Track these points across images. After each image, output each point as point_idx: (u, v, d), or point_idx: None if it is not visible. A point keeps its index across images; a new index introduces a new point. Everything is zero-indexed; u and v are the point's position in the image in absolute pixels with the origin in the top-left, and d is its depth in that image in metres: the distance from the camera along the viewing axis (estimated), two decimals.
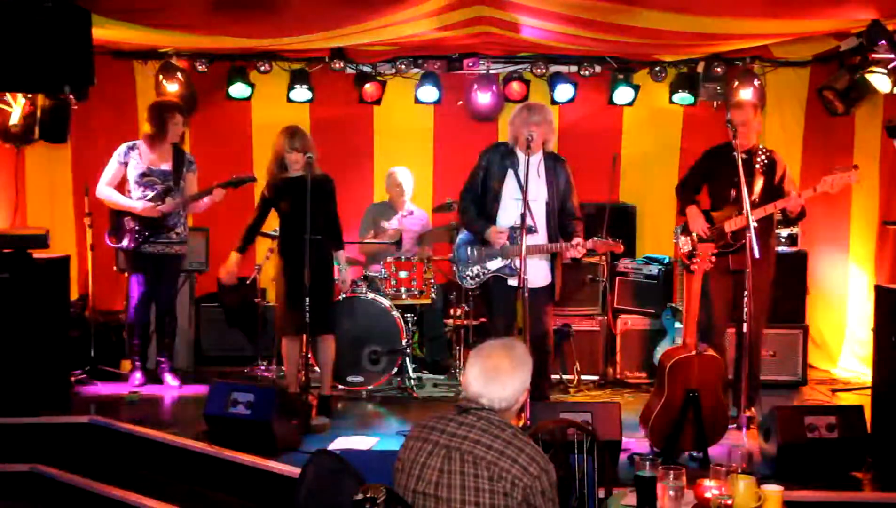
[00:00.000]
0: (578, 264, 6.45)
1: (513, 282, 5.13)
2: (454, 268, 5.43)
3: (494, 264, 5.18)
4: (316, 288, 5.26)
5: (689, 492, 2.84)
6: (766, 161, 5.30)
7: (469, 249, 5.27)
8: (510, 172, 5.14)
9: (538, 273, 5.15)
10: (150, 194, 5.96)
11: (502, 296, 5.22)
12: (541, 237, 5.11)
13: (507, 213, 5.16)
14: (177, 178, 6.04)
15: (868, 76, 5.93)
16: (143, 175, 5.97)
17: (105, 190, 5.99)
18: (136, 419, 5.29)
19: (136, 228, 5.93)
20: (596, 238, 5.09)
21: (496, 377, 2.68)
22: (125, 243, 5.95)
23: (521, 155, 5.09)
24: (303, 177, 5.22)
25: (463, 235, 5.37)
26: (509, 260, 5.11)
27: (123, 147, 6.02)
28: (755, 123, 5.30)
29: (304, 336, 5.32)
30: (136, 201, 5.93)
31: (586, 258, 6.48)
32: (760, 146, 5.38)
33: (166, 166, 6.04)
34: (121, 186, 6.05)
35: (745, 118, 5.22)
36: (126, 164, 5.98)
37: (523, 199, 4.86)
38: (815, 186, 5.05)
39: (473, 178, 5.28)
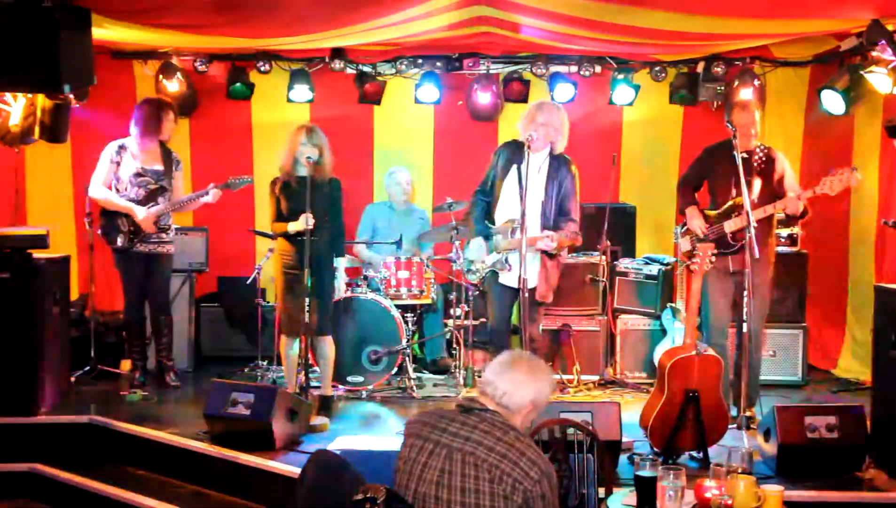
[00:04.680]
0: (577, 265, 6.47)
1: (504, 279, 5.18)
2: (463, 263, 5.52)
3: (490, 259, 5.23)
4: (314, 289, 5.27)
5: (689, 492, 2.84)
6: (763, 159, 5.30)
7: (474, 244, 5.35)
8: (513, 169, 5.18)
9: (528, 272, 5.16)
10: (142, 193, 5.95)
11: (495, 293, 5.28)
12: (531, 235, 5.11)
13: (505, 208, 5.23)
14: (168, 178, 6.04)
15: (868, 76, 5.93)
16: (137, 175, 5.96)
17: (101, 191, 5.97)
18: (135, 419, 5.29)
19: (130, 228, 5.93)
20: (560, 232, 5.08)
21: (510, 371, 2.72)
22: (118, 242, 5.95)
23: (525, 152, 5.11)
24: (306, 177, 5.23)
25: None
26: (502, 254, 5.16)
27: (113, 146, 6.00)
28: (757, 126, 5.29)
29: (304, 337, 5.32)
30: (136, 206, 5.91)
31: (587, 258, 6.50)
32: (758, 144, 5.37)
33: (158, 166, 6.03)
34: (109, 185, 6.03)
35: (748, 120, 5.22)
36: (118, 163, 5.97)
37: (521, 195, 4.89)
38: (814, 188, 5.04)
39: (486, 176, 5.38)
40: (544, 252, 5.13)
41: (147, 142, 6.00)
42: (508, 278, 5.16)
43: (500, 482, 2.51)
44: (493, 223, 5.27)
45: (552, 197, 5.17)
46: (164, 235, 6.05)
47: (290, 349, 5.43)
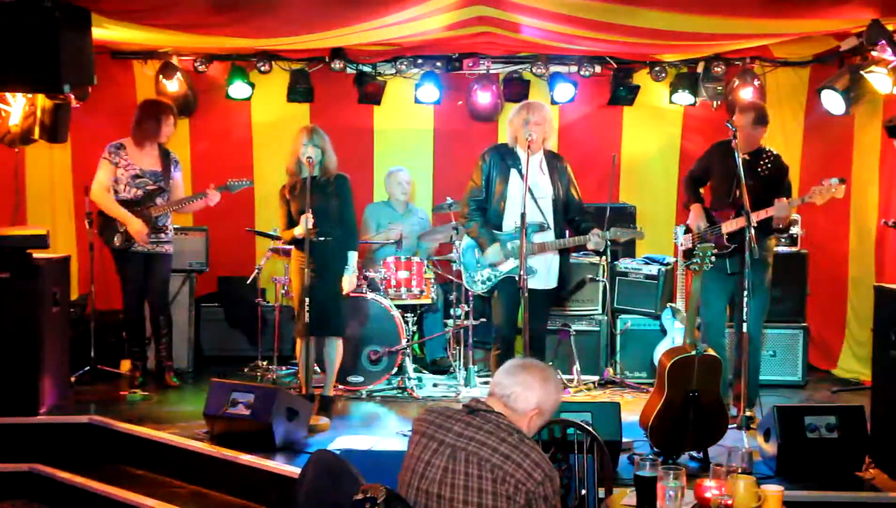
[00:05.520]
0: (578, 264, 6.47)
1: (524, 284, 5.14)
2: (463, 274, 5.44)
3: (507, 266, 5.18)
4: (324, 290, 5.26)
5: (689, 492, 2.84)
6: (769, 165, 5.29)
7: (477, 253, 5.27)
8: (514, 172, 5.15)
9: (548, 273, 5.16)
10: (141, 194, 5.95)
11: (511, 298, 5.22)
12: (551, 234, 5.13)
13: (515, 212, 5.13)
14: (166, 179, 6.04)
15: (868, 76, 5.93)
16: (135, 177, 5.96)
17: (103, 196, 5.96)
18: (135, 419, 5.29)
19: (126, 228, 5.93)
20: (615, 228, 5.10)
21: (520, 373, 2.74)
22: (116, 242, 5.95)
23: (522, 154, 5.11)
24: (312, 177, 5.23)
25: (468, 240, 5.37)
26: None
27: (112, 147, 6.00)
28: (752, 132, 5.27)
29: (303, 337, 5.32)
30: (132, 218, 5.89)
31: (587, 258, 6.50)
32: (767, 148, 5.37)
33: (156, 168, 6.04)
34: (109, 186, 6.04)
35: (741, 123, 5.22)
36: (117, 164, 5.97)
37: (524, 197, 4.89)
38: (802, 197, 5.10)
39: (475, 182, 5.27)
40: (562, 251, 5.15)
41: (146, 144, 6.00)
42: (532, 281, 5.04)
43: (503, 482, 2.52)
44: (501, 229, 5.23)
45: (560, 193, 5.18)
46: (162, 235, 6.05)
47: (303, 349, 5.43)
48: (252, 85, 7.30)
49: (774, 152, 5.38)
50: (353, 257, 5.47)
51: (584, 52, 7.08)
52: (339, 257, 5.41)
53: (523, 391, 2.71)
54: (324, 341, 5.49)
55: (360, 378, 6.13)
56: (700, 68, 7.13)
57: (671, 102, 7.31)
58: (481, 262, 5.25)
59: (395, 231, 6.71)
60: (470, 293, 6.21)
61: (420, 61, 7.28)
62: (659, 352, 5.96)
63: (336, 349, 5.51)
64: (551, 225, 5.14)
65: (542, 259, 5.13)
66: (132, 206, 5.94)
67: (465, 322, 6.25)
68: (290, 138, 5.46)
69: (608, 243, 5.20)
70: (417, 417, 2.80)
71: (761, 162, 5.28)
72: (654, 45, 6.64)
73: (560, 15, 5.74)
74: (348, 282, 5.45)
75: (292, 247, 5.53)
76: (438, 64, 7.33)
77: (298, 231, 5.28)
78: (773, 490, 2.79)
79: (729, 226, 5.18)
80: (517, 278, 5.08)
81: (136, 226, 5.90)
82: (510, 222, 5.18)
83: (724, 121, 5.16)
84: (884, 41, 5.35)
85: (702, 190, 5.59)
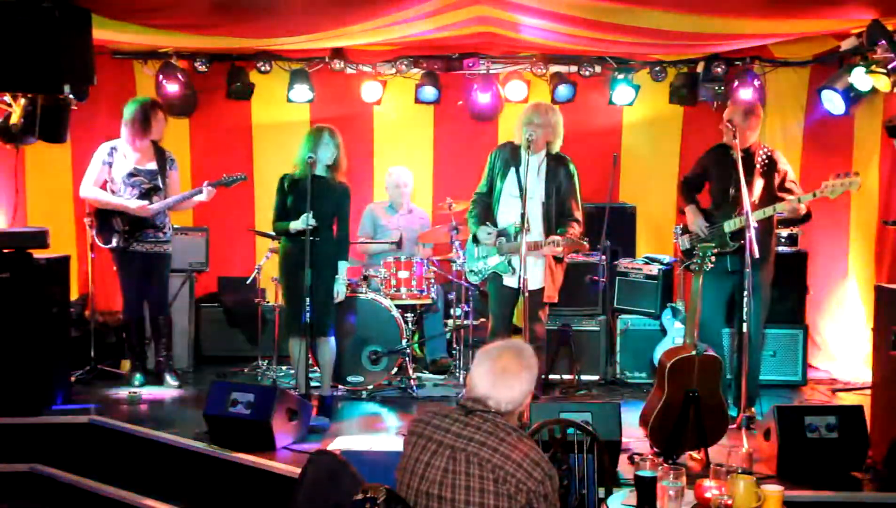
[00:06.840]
0: (577, 265, 6.47)
1: (508, 281, 5.20)
2: (464, 264, 5.54)
3: (493, 261, 5.25)
4: (315, 289, 5.26)
5: (689, 492, 2.84)
6: (765, 160, 5.31)
7: (475, 245, 5.38)
8: (512, 171, 5.21)
9: (532, 274, 5.17)
10: (136, 193, 5.95)
11: (497, 294, 5.31)
12: (534, 236, 5.13)
13: (506, 210, 5.27)
14: (162, 177, 6.04)
15: (868, 76, 5.93)
16: (130, 175, 5.96)
17: (92, 190, 5.97)
18: (135, 419, 5.29)
19: (125, 227, 5.93)
20: (565, 237, 5.09)
21: (504, 378, 2.66)
22: (114, 242, 5.95)
23: (524, 154, 5.14)
24: (313, 176, 5.23)
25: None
26: (504, 257, 5.19)
27: (106, 147, 6.00)
28: (743, 126, 5.27)
29: (304, 337, 5.32)
30: (128, 200, 5.91)
31: (586, 258, 6.49)
32: (762, 145, 5.38)
33: (151, 166, 6.03)
34: (102, 186, 6.03)
35: (730, 118, 5.23)
36: (110, 164, 5.97)
37: (522, 198, 4.90)
38: (814, 191, 5.07)
39: (484, 178, 5.43)
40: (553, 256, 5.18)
41: (138, 142, 6.00)
42: (513, 280, 5.17)
43: (504, 482, 2.51)
44: (496, 226, 5.29)
45: (553, 198, 5.19)
46: (160, 234, 6.05)
47: (295, 349, 5.43)
48: (252, 85, 7.30)
49: (769, 148, 5.40)
50: (343, 267, 5.47)
51: (584, 52, 7.08)
52: (329, 259, 5.40)
53: (509, 394, 2.65)
54: (314, 340, 5.48)
55: (360, 378, 6.13)
56: (700, 68, 7.13)
57: (671, 102, 7.31)
58: (479, 253, 5.37)
59: (395, 235, 6.72)
60: (470, 293, 6.23)
61: (420, 61, 7.29)
62: (659, 352, 5.97)
63: (328, 349, 5.50)
64: (536, 228, 5.15)
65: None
66: None
67: (465, 322, 6.25)
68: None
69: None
70: (413, 418, 2.77)
71: (757, 159, 5.29)
72: (654, 45, 6.65)
73: (560, 15, 5.75)
74: (340, 290, 5.45)
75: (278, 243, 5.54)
76: (438, 64, 7.32)
77: (296, 226, 5.27)
78: (773, 490, 2.79)
79: (731, 225, 5.19)
80: (502, 276, 5.26)
81: (133, 204, 5.89)
82: (502, 219, 5.29)
83: (724, 120, 5.18)
84: (884, 41, 5.35)
85: (697, 195, 5.60)
